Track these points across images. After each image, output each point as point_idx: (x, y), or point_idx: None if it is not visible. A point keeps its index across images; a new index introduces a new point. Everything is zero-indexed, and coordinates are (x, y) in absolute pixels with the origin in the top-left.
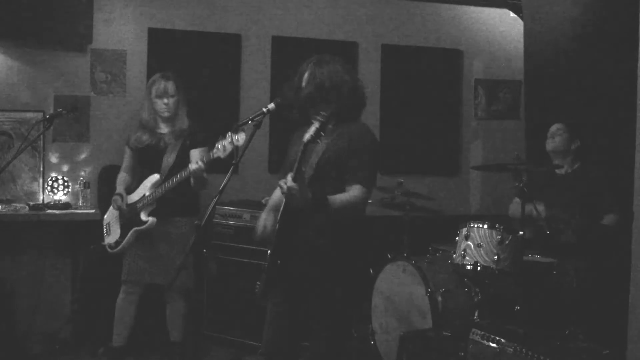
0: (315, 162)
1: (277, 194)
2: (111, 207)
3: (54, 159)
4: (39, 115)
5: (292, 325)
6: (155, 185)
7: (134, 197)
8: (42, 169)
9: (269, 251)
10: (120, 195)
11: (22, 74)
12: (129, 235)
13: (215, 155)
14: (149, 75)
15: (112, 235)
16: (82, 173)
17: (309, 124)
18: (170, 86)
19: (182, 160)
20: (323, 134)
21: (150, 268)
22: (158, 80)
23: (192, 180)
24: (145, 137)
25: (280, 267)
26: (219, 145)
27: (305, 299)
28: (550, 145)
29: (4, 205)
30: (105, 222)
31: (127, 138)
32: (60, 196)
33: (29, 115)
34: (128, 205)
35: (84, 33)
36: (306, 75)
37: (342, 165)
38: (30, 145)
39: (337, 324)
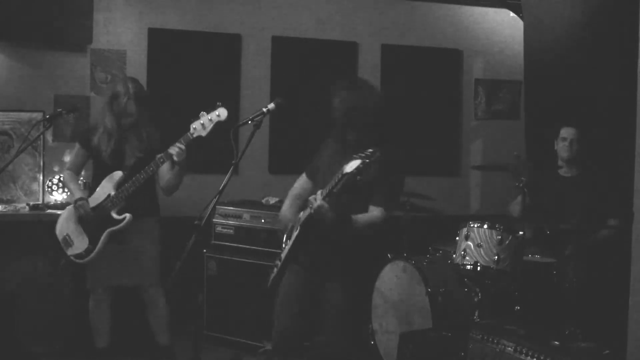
0: (342, 185)
1: (299, 184)
2: (62, 218)
3: (54, 159)
4: (39, 115)
5: (303, 319)
6: (120, 182)
7: (97, 197)
8: (42, 169)
9: (284, 243)
10: (84, 199)
11: (22, 74)
12: (102, 237)
13: (195, 135)
14: (149, 75)
15: (76, 245)
16: (82, 173)
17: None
18: (130, 106)
19: (145, 159)
20: (366, 172)
21: (116, 271)
22: (120, 96)
23: (168, 174)
24: (110, 143)
25: (299, 262)
26: (196, 125)
27: (319, 295)
28: (566, 152)
29: (4, 205)
30: (60, 236)
31: (81, 135)
32: (60, 196)
33: (29, 115)
34: (93, 208)
35: (84, 33)
36: (336, 99)
37: (368, 190)
38: (30, 145)
39: (350, 321)
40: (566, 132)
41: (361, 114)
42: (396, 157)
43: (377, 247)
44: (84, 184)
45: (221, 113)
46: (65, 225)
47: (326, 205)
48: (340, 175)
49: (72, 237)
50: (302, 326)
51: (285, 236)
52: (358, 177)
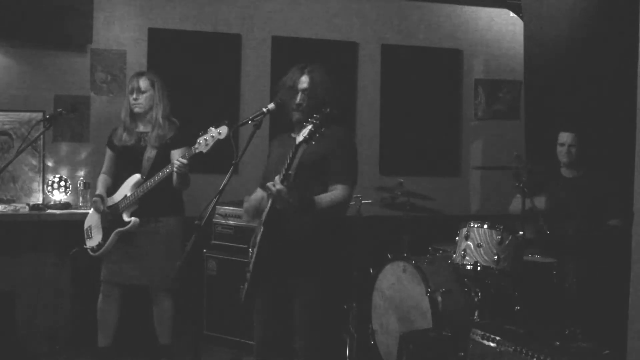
0: (297, 164)
1: (257, 195)
2: (91, 211)
3: (53, 159)
4: (39, 115)
5: (283, 323)
6: (137, 185)
7: (116, 198)
8: (42, 169)
9: (251, 251)
10: (101, 196)
11: (22, 74)
12: (111, 237)
13: (197, 151)
14: None
15: (93, 239)
16: (82, 173)
17: (290, 130)
18: (142, 82)
19: (163, 159)
20: (318, 135)
21: (131, 269)
22: (132, 77)
23: (174, 178)
24: (125, 136)
25: (267, 266)
26: (201, 140)
27: (291, 296)
28: (565, 157)
29: (4, 205)
30: (86, 226)
31: (107, 139)
32: (60, 196)
33: (29, 115)
34: (109, 207)
35: (84, 33)
36: (305, 79)
37: (324, 168)
38: (30, 145)
39: (319, 321)
40: (563, 137)
41: (326, 90)
42: (345, 132)
43: (345, 239)
44: (84, 183)
45: (222, 131)
46: (89, 218)
47: (285, 188)
48: (293, 149)
49: (92, 230)
50: (281, 335)
51: (250, 246)
52: (314, 141)
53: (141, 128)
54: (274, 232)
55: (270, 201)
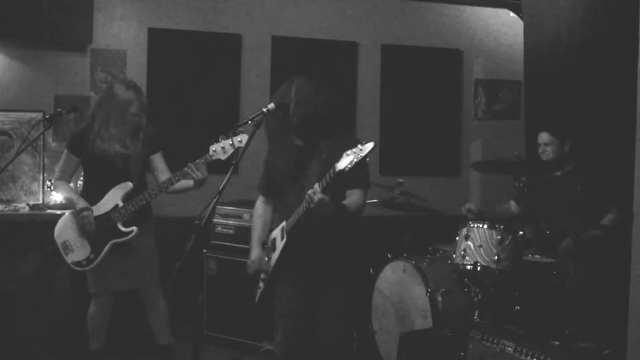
0: (317, 175)
1: (259, 224)
2: (63, 224)
3: (54, 159)
4: (39, 115)
5: (305, 325)
6: (129, 194)
7: (104, 207)
8: (42, 169)
9: (267, 258)
10: (90, 209)
11: (22, 74)
12: (106, 248)
13: (214, 158)
14: (149, 75)
15: (76, 253)
16: (82, 173)
17: (288, 132)
18: (142, 115)
19: (144, 166)
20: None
21: (117, 276)
22: (135, 100)
23: (190, 184)
24: (106, 145)
25: (291, 273)
26: (217, 148)
27: (317, 299)
28: (543, 157)
29: (4, 205)
30: (59, 241)
31: (70, 142)
32: (60, 196)
33: (29, 115)
34: (96, 217)
35: (84, 33)
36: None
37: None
38: (30, 145)
39: (349, 323)
40: (539, 138)
41: (324, 102)
42: (355, 140)
43: (368, 246)
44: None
45: (243, 139)
46: (64, 231)
47: (327, 198)
48: (332, 173)
49: (72, 243)
50: (305, 336)
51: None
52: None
53: (127, 140)
54: (299, 241)
55: (297, 213)
